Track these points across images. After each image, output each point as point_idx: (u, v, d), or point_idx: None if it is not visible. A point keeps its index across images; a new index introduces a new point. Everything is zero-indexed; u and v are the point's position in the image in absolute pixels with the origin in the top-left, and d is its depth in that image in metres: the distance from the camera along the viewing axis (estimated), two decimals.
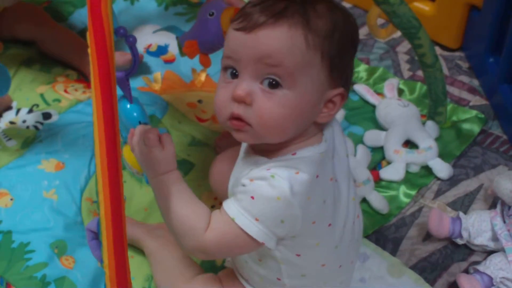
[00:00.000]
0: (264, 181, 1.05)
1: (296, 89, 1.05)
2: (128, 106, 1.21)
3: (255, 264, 1.19)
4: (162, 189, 1.11)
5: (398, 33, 2.04)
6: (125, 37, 1.15)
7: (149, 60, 1.95)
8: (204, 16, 1.43)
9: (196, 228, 1.09)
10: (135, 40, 1.17)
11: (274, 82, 1.05)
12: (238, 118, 1.07)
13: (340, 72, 1.09)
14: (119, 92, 1.22)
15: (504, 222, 1.46)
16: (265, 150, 1.11)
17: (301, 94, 1.05)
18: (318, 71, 1.06)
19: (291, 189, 1.04)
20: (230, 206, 1.08)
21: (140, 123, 1.20)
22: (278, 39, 1.04)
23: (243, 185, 1.07)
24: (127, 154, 1.21)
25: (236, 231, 1.07)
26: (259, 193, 1.05)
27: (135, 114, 1.20)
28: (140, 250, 1.45)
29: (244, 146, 1.18)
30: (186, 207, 1.11)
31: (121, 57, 1.71)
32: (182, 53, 1.50)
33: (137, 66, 1.20)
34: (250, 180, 1.07)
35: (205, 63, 1.47)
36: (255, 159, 1.12)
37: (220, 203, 1.13)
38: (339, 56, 1.08)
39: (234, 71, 1.08)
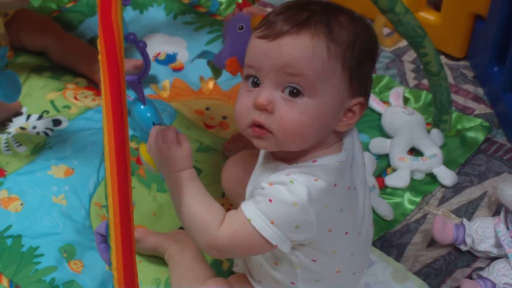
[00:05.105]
0: (283, 185, 1.07)
1: (316, 97, 1.06)
2: (142, 107, 1.23)
3: (270, 267, 1.20)
4: (178, 186, 1.13)
5: (404, 42, 2.06)
6: (135, 42, 1.17)
7: (157, 68, 1.96)
8: (234, 31, 1.42)
9: (209, 223, 1.10)
10: (145, 45, 1.18)
11: (295, 91, 1.05)
12: (259, 126, 1.08)
13: (359, 82, 1.10)
14: (132, 94, 1.24)
15: (508, 228, 1.47)
16: (285, 157, 1.12)
17: (322, 103, 1.06)
18: (339, 81, 1.07)
19: (308, 196, 1.05)
20: (247, 207, 1.09)
21: (154, 123, 1.21)
22: (300, 48, 1.04)
23: (262, 188, 1.09)
24: (144, 152, 1.23)
25: (251, 231, 1.08)
26: (277, 197, 1.06)
27: (148, 114, 1.22)
28: (149, 256, 1.46)
29: (263, 152, 1.19)
30: (200, 203, 1.12)
31: (126, 63, 1.72)
32: (216, 75, 1.49)
33: (149, 70, 1.21)
34: (269, 184, 1.08)
35: None
36: (275, 165, 1.13)
37: (229, 209, 1.15)
38: (359, 66, 1.09)
39: (256, 80, 1.08)
